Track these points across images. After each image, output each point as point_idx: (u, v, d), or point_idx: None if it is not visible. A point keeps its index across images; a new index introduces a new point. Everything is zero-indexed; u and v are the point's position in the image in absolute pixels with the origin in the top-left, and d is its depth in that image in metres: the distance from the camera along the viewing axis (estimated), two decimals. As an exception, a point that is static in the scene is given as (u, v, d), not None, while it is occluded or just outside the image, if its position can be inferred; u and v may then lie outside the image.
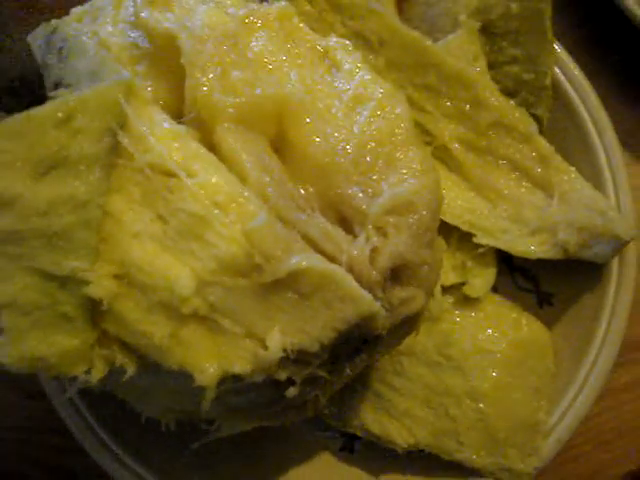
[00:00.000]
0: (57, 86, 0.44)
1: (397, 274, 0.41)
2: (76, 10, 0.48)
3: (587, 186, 0.56)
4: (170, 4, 0.44)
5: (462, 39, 0.59)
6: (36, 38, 0.48)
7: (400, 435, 0.54)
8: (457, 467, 0.55)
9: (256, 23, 0.44)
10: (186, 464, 0.55)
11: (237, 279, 0.37)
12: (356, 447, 0.59)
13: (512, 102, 0.59)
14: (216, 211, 0.37)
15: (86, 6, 0.48)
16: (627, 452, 0.62)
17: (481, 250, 0.57)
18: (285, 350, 0.37)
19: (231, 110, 0.40)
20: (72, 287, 0.37)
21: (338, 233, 0.40)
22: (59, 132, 0.36)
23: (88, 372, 0.38)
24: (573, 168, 0.57)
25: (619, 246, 0.54)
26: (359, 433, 0.56)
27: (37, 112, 0.36)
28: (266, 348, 0.37)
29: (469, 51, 0.59)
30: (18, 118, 0.36)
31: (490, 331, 0.56)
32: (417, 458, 0.56)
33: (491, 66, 0.61)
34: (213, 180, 0.38)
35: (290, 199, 0.40)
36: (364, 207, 0.40)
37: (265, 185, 0.39)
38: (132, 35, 0.44)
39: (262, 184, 0.39)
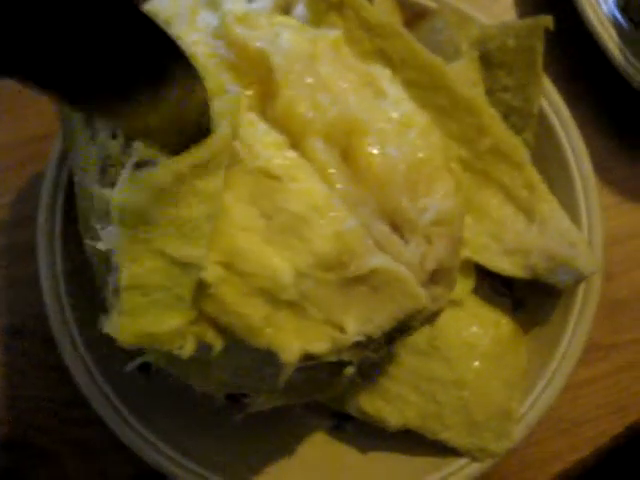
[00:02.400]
0: None
1: (435, 276, 0.49)
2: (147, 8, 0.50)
3: (564, 218, 0.63)
4: (257, 24, 0.49)
5: (465, 66, 0.65)
6: None
7: (392, 416, 0.61)
8: (437, 446, 0.62)
9: (322, 47, 0.50)
10: (199, 438, 0.61)
11: (326, 273, 0.43)
12: (347, 427, 0.65)
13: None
14: (315, 213, 0.43)
15: (149, 6, 0.51)
16: (583, 440, 0.70)
17: (461, 260, 0.63)
18: (359, 335, 0.44)
19: (319, 126, 0.46)
20: (190, 272, 0.41)
21: (396, 239, 0.47)
22: None
23: (181, 347, 0.42)
24: (555, 198, 0.64)
25: (579, 279, 0.61)
26: (354, 413, 0.62)
27: None
28: (344, 332, 0.44)
29: (470, 78, 0.65)
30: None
31: (474, 327, 0.62)
32: (401, 438, 0.63)
33: (486, 92, 0.68)
34: (311, 186, 0.44)
35: (365, 206, 0.46)
36: (415, 218, 0.47)
37: (348, 194, 0.45)
38: (214, 44, 0.48)
39: (346, 193, 0.45)
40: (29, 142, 0.74)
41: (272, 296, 0.42)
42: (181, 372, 0.49)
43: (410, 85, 0.64)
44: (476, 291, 0.66)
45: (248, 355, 0.45)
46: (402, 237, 0.47)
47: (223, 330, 0.43)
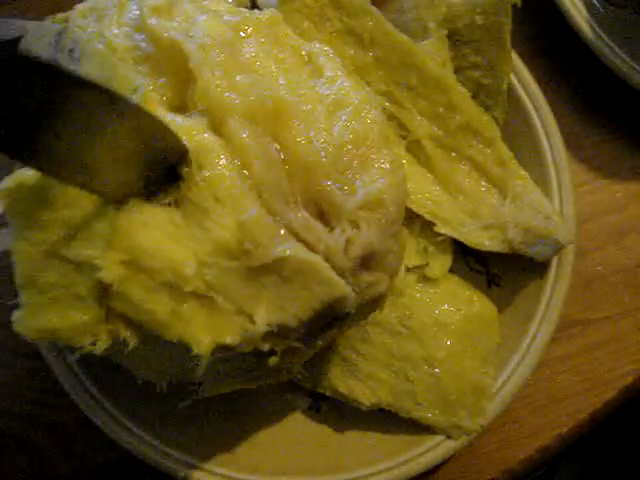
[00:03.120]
0: None
1: (366, 261, 0.47)
2: (80, 7, 0.52)
3: (537, 191, 0.63)
4: (172, 13, 0.49)
5: (433, 45, 0.65)
6: (43, 34, 0.51)
7: (364, 395, 0.61)
8: (412, 424, 0.62)
9: (247, 30, 0.49)
10: (172, 420, 0.61)
11: (230, 261, 0.43)
12: (323, 407, 0.65)
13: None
14: (216, 203, 0.43)
15: (89, 3, 0.52)
16: (559, 416, 0.70)
17: (440, 238, 0.64)
18: (269, 325, 0.43)
19: (240, 107, 0.45)
20: (86, 271, 0.42)
21: (318, 226, 0.46)
22: None
23: (93, 343, 0.43)
24: (526, 173, 0.64)
25: (557, 249, 0.62)
26: (328, 393, 0.62)
27: None
28: (254, 323, 0.43)
29: (439, 56, 0.65)
30: None
31: (446, 306, 0.62)
32: (376, 417, 0.63)
33: (455, 70, 0.68)
34: (219, 173, 0.43)
35: (281, 193, 0.45)
36: (341, 203, 0.46)
37: (263, 179, 0.44)
38: (136, 38, 0.49)
39: (261, 177, 0.44)
40: None
41: (177, 289, 0.42)
42: (122, 363, 0.50)
43: (380, 64, 0.64)
44: (451, 269, 0.66)
45: (168, 348, 0.45)
46: (328, 224, 0.46)
47: (136, 326, 0.43)
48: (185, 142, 0.43)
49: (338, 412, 0.64)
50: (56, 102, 0.35)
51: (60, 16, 0.52)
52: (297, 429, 0.64)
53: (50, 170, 0.38)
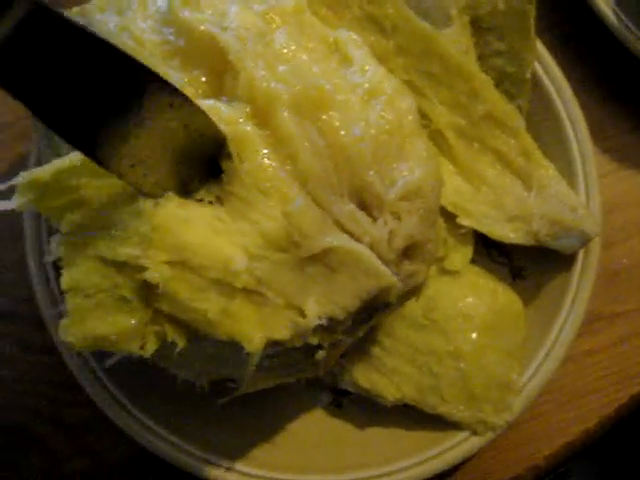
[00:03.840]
0: None
1: (408, 251, 0.48)
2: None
3: (562, 183, 0.62)
4: (200, 4, 0.48)
5: (456, 32, 0.64)
6: None
7: (388, 390, 0.60)
8: (437, 420, 0.61)
9: (275, 19, 0.48)
10: (191, 417, 0.60)
11: (279, 254, 0.42)
12: (344, 403, 0.64)
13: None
14: (261, 195, 0.42)
15: None
16: (584, 412, 0.69)
17: (462, 230, 0.62)
18: (320, 318, 0.43)
19: (286, 97, 0.44)
20: (129, 272, 0.41)
21: (362, 217, 0.45)
22: None
23: (142, 347, 0.42)
24: (552, 165, 0.63)
25: (585, 241, 0.60)
26: (350, 389, 0.61)
27: None
28: (304, 317, 0.42)
29: (462, 44, 0.64)
30: None
31: (470, 298, 0.61)
32: (399, 413, 0.62)
33: (478, 58, 0.66)
34: (261, 165, 0.43)
35: (328, 184, 0.45)
36: (382, 194, 0.46)
37: (310, 169, 0.44)
38: (164, 32, 0.48)
39: (308, 168, 0.44)
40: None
41: (227, 286, 0.41)
42: (164, 364, 0.49)
43: (401, 52, 0.63)
44: (474, 261, 0.65)
45: (216, 346, 0.44)
46: (370, 215, 0.46)
47: (184, 326, 0.43)
48: (226, 133, 0.43)
49: (360, 408, 0.63)
50: (132, 94, 0.36)
51: (76, 9, 0.51)
52: (318, 426, 0.63)
53: (102, 159, 0.37)
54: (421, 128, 0.50)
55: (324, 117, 0.45)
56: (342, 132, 0.45)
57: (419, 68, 0.63)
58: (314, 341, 0.44)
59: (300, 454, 0.61)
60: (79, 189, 0.42)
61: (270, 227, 0.42)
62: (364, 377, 0.60)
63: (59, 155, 0.45)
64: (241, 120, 0.43)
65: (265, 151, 0.43)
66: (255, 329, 0.42)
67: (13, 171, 0.42)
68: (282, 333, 0.42)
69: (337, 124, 0.45)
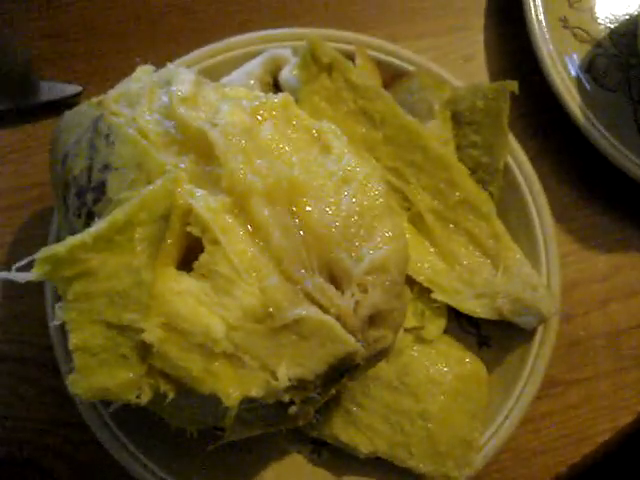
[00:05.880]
0: (106, 167, 0.55)
1: (373, 319, 0.54)
2: (112, 92, 0.60)
3: (526, 264, 0.70)
4: (198, 102, 0.56)
5: (438, 125, 0.72)
6: (80, 119, 0.59)
7: (363, 444, 0.67)
8: (406, 472, 0.68)
9: (263, 115, 0.56)
10: (188, 461, 0.67)
11: (255, 324, 0.50)
12: (323, 453, 0.71)
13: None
14: (241, 274, 0.50)
15: (121, 88, 0.60)
16: (542, 468, 0.76)
17: (436, 304, 0.70)
18: (290, 379, 0.50)
19: (260, 188, 0.52)
20: (129, 333, 0.49)
21: (330, 289, 0.53)
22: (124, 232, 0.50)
23: (138, 396, 0.50)
24: (518, 247, 0.71)
25: (541, 320, 0.68)
26: (329, 441, 0.68)
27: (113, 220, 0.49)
28: (276, 379, 0.50)
29: (442, 136, 0.72)
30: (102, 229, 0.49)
31: (440, 365, 0.69)
32: (374, 464, 0.69)
33: (456, 148, 0.74)
34: (242, 248, 0.50)
35: (298, 260, 0.52)
36: (350, 269, 0.53)
37: (282, 249, 0.51)
38: (166, 125, 0.56)
39: (280, 247, 0.51)
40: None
41: (208, 349, 0.49)
42: (159, 412, 0.55)
43: (389, 142, 0.71)
44: (446, 329, 0.72)
45: (201, 399, 0.51)
46: (339, 287, 0.53)
47: (173, 381, 0.50)
48: (210, 221, 0.50)
49: (338, 458, 0.70)
50: None
51: (95, 100, 0.60)
52: (300, 471, 0.70)
53: None
54: (391, 210, 0.57)
55: (298, 202, 0.53)
56: (315, 215, 0.52)
57: (404, 157, 0.71)
58: (285, 398, 0.51)
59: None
60: (87, 262, 0.50)
61: (249, 302, 0.49)
62: (342, 431, 0.67)
63: (74, 232, 0.53)
64: (223, 211, 0.51)
65: (243, 236, 0.51)
66: (233, 387, 0.49)
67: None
68: (256, 391, 0.49)
69: (309, 208, 0.52)
